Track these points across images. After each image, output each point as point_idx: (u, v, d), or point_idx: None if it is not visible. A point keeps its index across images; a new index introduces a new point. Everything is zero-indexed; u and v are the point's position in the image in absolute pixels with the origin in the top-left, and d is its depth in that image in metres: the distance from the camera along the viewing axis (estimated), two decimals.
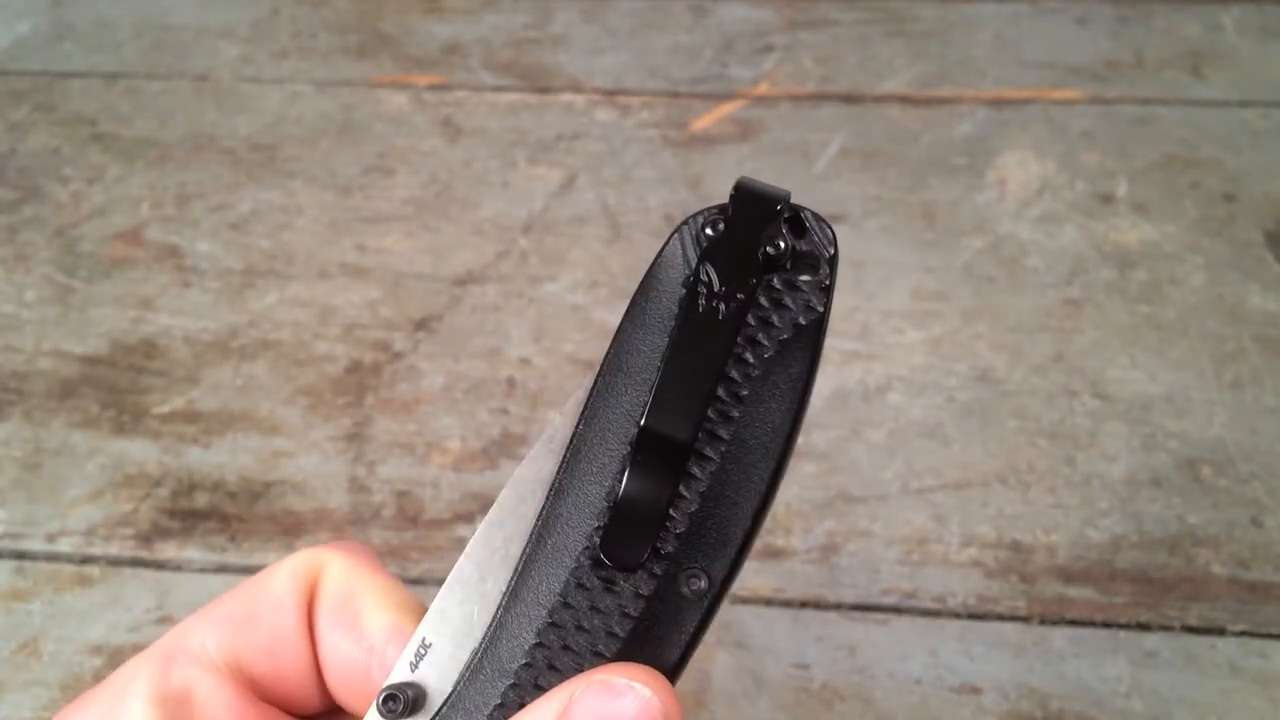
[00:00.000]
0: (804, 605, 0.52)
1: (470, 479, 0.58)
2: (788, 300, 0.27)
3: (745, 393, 0.27)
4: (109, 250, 0.72)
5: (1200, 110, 0.77)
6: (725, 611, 0.52)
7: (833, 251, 0.28)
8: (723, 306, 0.27)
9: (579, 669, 0.27)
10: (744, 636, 0.51)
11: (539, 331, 0.65)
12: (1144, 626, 0.51)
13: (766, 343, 0.27)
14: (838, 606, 0.52)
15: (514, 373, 0.63)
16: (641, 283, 0.28)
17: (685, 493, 0.27)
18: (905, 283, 0.67)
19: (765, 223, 0.27)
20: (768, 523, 0.56)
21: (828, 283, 0.28)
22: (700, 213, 0.28)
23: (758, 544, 0.54)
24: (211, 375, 0.64)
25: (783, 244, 0.27)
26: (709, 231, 0.28)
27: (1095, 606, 0.52)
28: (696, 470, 0.27)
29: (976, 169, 0.74)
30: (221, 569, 0.55)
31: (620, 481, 0.27)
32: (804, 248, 0.28)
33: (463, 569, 0.28)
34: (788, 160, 0.76)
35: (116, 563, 0.56)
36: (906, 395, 0.61)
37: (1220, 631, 0.51)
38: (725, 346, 0.27)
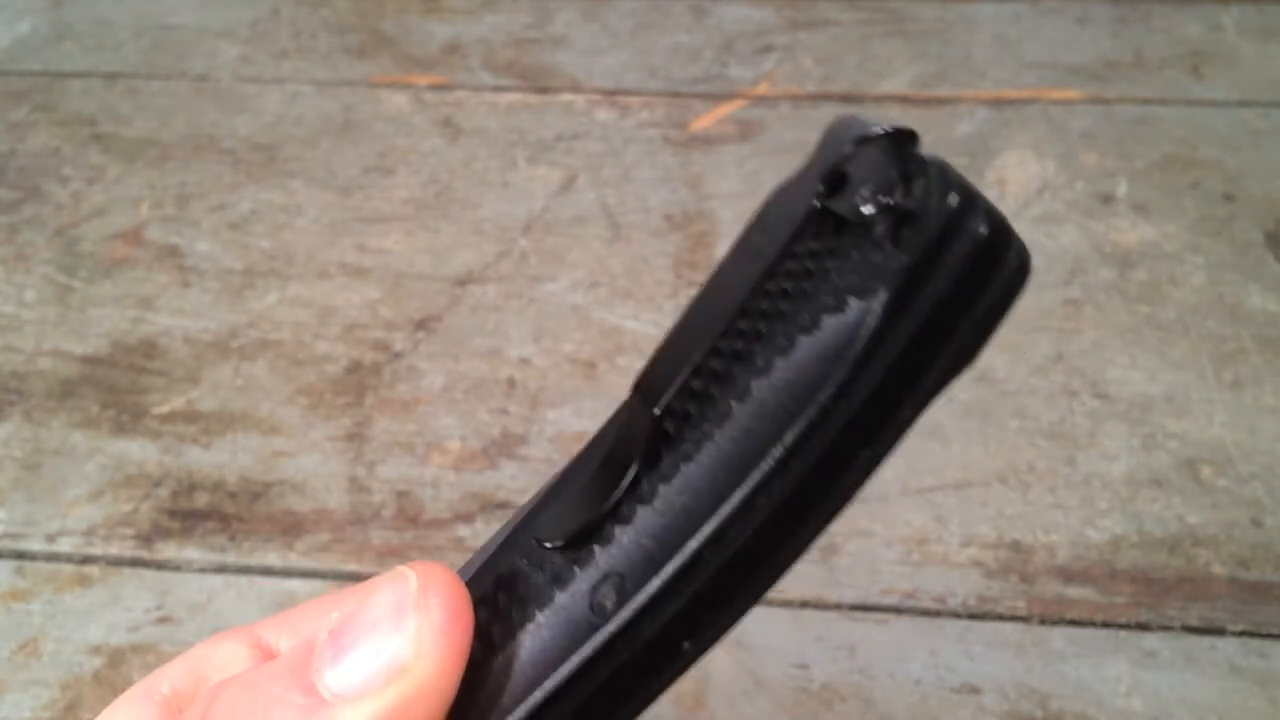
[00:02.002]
0: (804, 605, 0.52)
1: (470, 479, 0.58)
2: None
3: (744, 374, 0.20)
4: (109, 250, 0.72)
5: (1200, 110, 0.77)
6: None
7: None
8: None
9: None
10: (744, 636, 0.51)
11: (539, 331, 0.65)
12: (1144, 626, 0.51)
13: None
14: (838, 606, 0.52)
15: (514, 373, 0.63)
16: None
17: (643, 480, 0.21)
18: None
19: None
20: None
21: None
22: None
23: None
24: (211, 375, 0.64)
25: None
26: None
27: (1095, 606, 0.52)
28: (665, 458, 0.21)
29: (976, 169, 0.74)
30: (221, 569, 0.55)
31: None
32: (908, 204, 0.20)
33: None
34: (788, 161, 0.76)
35: (116, 563, 0.56)
36: None
37: (1220, 631, 0.51)
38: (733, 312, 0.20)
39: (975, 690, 0.49)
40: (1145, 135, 0.76)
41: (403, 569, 0.20)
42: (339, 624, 0.20)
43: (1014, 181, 0.73)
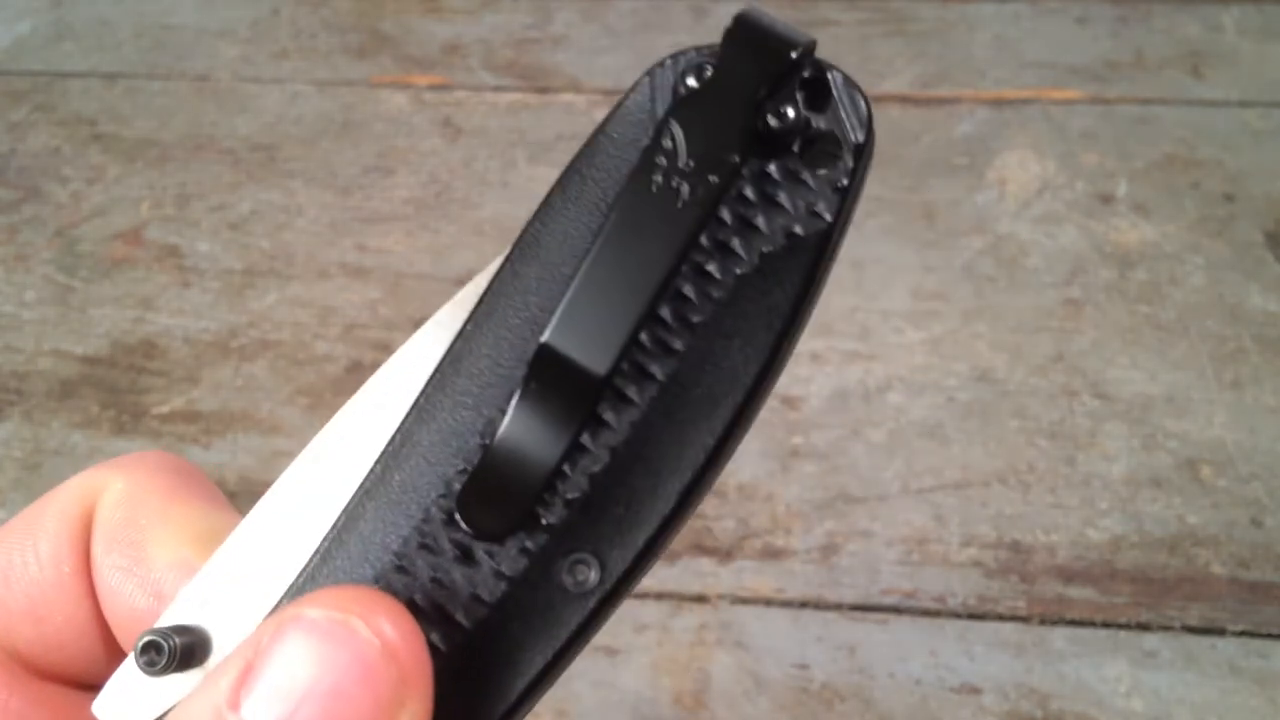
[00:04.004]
0: (804, 605, 0.52)
1: None
2: (784, 197, 0.20)
3: (698, 320, 0.20)
4: (109, 250, 0.72)
5: (1200, 110, 0.77)
6: (725, 611, 0.52)
7: (863, 137, 0.20)
8: (685, 188, 0.19)
9: None
10: (744, 636, 0.51)
11: None
12: (1144, 626, 0.51)
13: (743, 253, 0.20)
14: (838, 606, 0.52)
15: None
16: (587, 141, 0.20)
17: (590, 445, 0.20)
18: (905, 283, 0.67)
19: (771, 77, 0.19)
20: (767, 522, 0.56)
21: (846, 182, 0.20)
22: (684, 52, 0.20)
23: (757, 544, 0.54)
24: (211, 375, 0.64)
25: (791, 113, 0.20)
26: (690, 81, 0.20)
27: (1095, 606, 0.52)
28: (610, 417, 0.20)
29: (976, 169, 0.74)
30: None
31: (503, 414, 0.19)
32: (823, 125, 0.20)
33: (281, 493, 0.22)
34: None
35: None
36: (906, 395, 0.61)
37: (1220, 631, 0.51)
38: (678, 246, 0.19)
39: (975, 690, 0.49)
40: (1145, 135, 0.76)
41: (344, 619, 0.17)
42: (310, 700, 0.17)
43: (1014, 181, 0.73)
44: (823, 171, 0.20)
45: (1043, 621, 0.52)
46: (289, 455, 0.63)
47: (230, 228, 0.73)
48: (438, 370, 0.21)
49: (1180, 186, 0.72)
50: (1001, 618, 0.52)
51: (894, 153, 0.75)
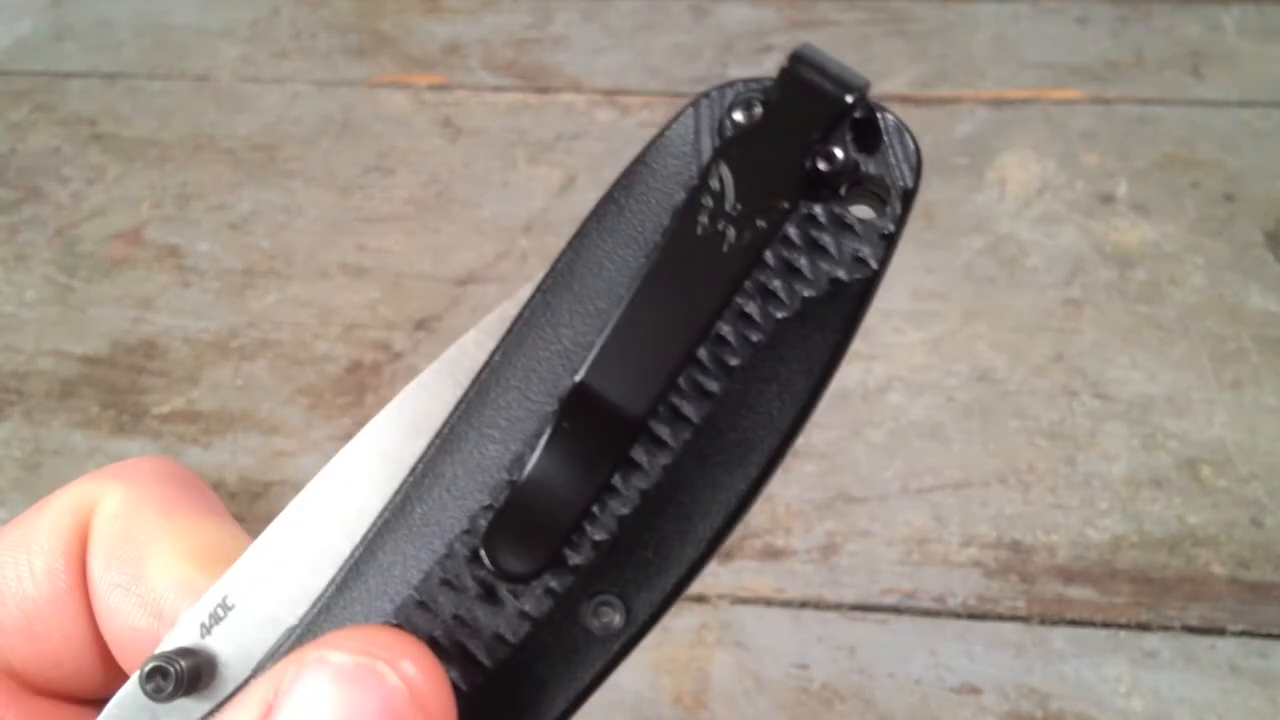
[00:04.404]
0: (804, 605, 0.52)
1: None
2: (829, 241, 0.19)
3: (736, 363, 0.19)
4: (109, 250, 0.72)
5: (1200, 110, 0.77)
6: (725, 611, 0.52)
7: (913, 183, 0.20)
8: (732, 232, 0.19)
9: None
10: (744, 636, 0.51)
11: None
12: (1144, 626, 0.51)
13: (784, 297, 0.19)
14: (838, 606, 0.52)
15: None
16: (626, 170, 0.20)
17: (620, 487, 0.19)
18: (905, 283, 0.67)
19: (825, 122, 0.19)
20: (767, 522, 0.56)
21: (893, 229, 0.19)
22: (732, 84, 0.20)
23: (757, 544, 0.54)
24: (211, 375, 0.64)
25: (840, 154, 0.19)
26: (738, 116, 0.19)
27: (1095, 606, 0.52)
28: (642, 459, 0.19)
29: (976, 169, 0.74)
30: None
31: (531, 450, 0.19)
32: (872, 169, 0.20)
33: (296, 515, 0.21)
34: None
35: None
36: (906, 395, 0.61)
37: (1220, 631, 0.51)
38: (723, 292, 0.19)
39: (975, 690, 0.49)
40: (1145, 135, 0.76)
41: (370, 664, 0.17)
42: None
43: (1014, 181, 0.73)
44: (869, 216, 0.19)
45: (1043, 621, 0.52)
46: (289, 455, 0.63)
47: (230, 228, 0.73)
48: (463, 400, 0.20)
49: (1180, 186, 0.72)
50: (1001, 618, 0.52)
51: None
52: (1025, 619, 0.52)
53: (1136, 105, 0.78)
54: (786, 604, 0.52)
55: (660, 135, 0.20)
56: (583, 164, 0.76)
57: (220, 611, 0.20)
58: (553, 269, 0.20)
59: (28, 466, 0.60)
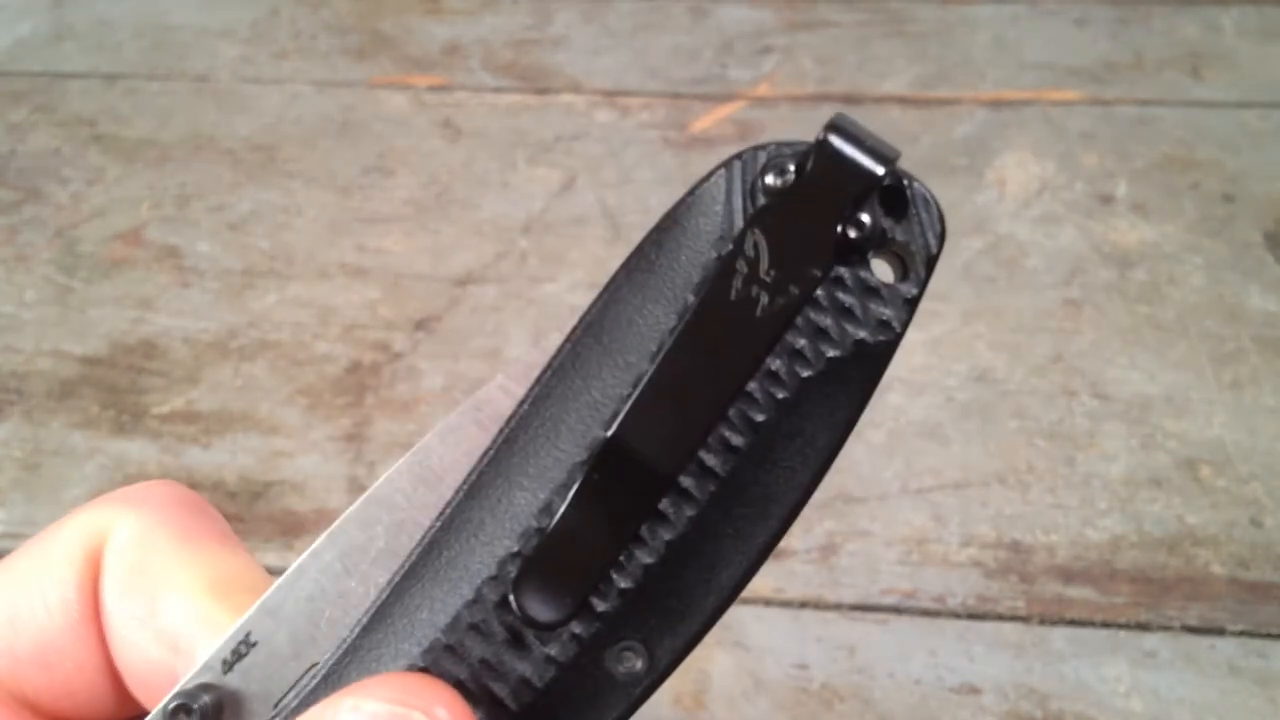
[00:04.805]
0: (804, 605, 0.52)
1: None
2: (855, 304, 0.20)
3: (762, 419, 0.20)
4: (109, 250, 0.72)
5: (1200, 111, 0.77)
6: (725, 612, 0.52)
7: (937, 249, 0.20)
8: (766, 297, 0.19)
9: None
10: (744, 636, 0.51)
11: (539, 332, 0.65)
12: (1144, 626, 0.51)
13: (810, 356, 0.20)
14: (837, 606, 0.52)
15: None
16: (658, 226, 0.20)
17: (647, 538, 0.20)
18: None
19: (859, 194, 0.19)
20: None
21: (916, 293, 0.20)
22: (764, 147, 0.20)
23: None
24: (211, 375, 0.64)
25: (868, 220, 0.20)
26: (771, 180, 0.20)
27: (1095, 606, 0.52)
28: (669, 510, 0.20)
29: (976, 169, 0.74)
30: None
31: (561, 500, 0.20)
32: (899, 236, 0.20)
33: (321, 555, 0.21)
34: None
35: None
36: (906, 395, 0.61)
37: (1220, 631, 0.51)
38: (754, 354, 0.19)
39: (975, 690, 0.49)
40: (1145, 136, 0.76)
41: (406, 714, 0.18)
42: None
43: (1014, 182, 0.73)
44: (894, 281, 0.20)
45: (1042, 621, 0.52)
46: (289, 455, 0.63)
47: (230, 228, 0.73)
48: (491, 447, 0.20)
49: (1179, 187, 0.72)
50: (1001, 618, 0.52)
51: None
52: (1025, 619, 0.52)
53: (1135, 106, 0.78)
54: (786, 604, 0.52)
55: (692, 193, 0.20)
56: (582, 165, 0.76)
57: (243, 649, 0.20)
58: (582, 321, 0.20)
59: (27, 466, 0.60)
